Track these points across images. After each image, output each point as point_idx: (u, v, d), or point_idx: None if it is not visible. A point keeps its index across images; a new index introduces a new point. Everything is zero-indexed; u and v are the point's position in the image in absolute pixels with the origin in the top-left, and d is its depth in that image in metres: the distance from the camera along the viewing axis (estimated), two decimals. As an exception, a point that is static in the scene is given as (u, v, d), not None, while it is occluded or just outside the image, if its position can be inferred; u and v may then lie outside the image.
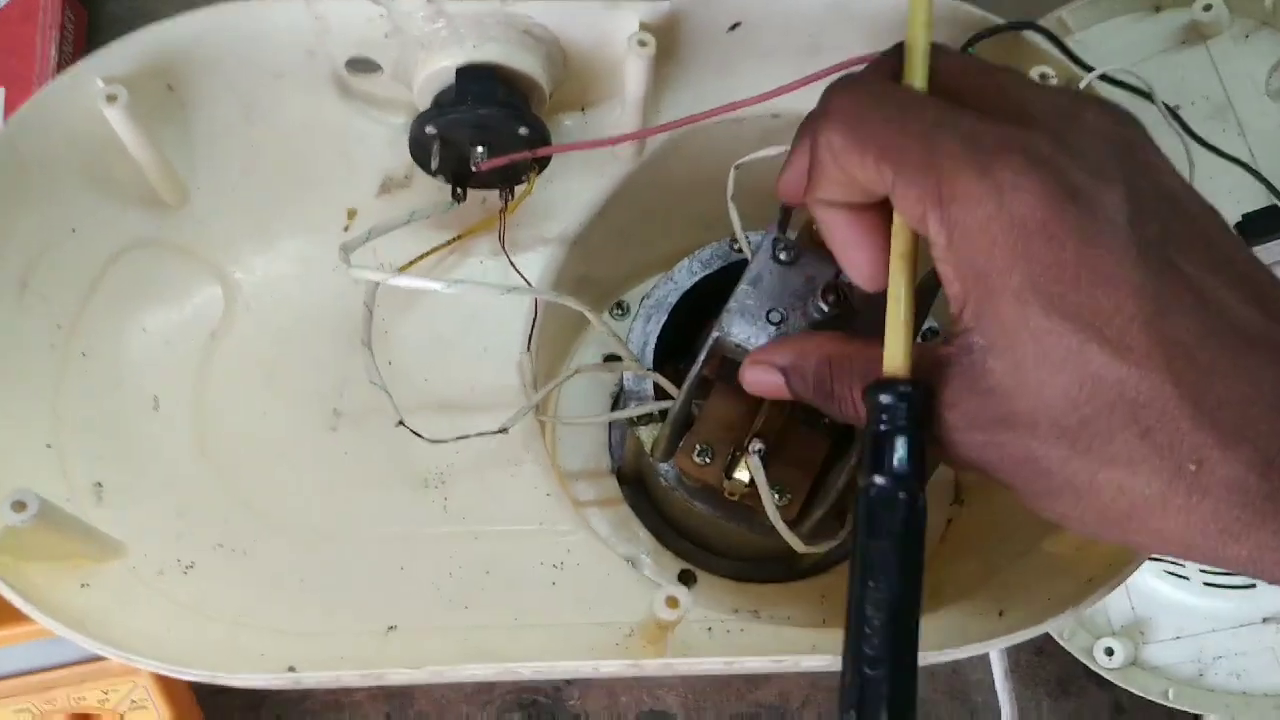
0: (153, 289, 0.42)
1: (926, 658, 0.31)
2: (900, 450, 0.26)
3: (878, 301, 0.38)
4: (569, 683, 0.59)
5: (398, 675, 0.31)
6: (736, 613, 0.48)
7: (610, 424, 0.53)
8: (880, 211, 0.28)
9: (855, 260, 0.29)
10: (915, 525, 0.26)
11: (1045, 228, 0.23)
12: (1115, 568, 0.32)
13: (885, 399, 0.26)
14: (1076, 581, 0.34)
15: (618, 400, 0.52)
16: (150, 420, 0.41)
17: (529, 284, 0.41)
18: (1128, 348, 0.23)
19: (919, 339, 0.45)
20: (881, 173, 0.25)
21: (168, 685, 0.50)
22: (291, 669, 0.31)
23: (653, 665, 0.31)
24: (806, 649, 0.33)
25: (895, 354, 0.27)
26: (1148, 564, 0.57)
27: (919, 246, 0.28)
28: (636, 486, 0.51)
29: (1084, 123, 0.25)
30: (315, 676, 0.31)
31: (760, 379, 0.32)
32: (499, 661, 0.31)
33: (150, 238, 0.42)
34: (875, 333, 0.33)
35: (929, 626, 0.36)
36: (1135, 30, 0.62)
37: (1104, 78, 0.44)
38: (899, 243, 0.28)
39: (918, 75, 0.28)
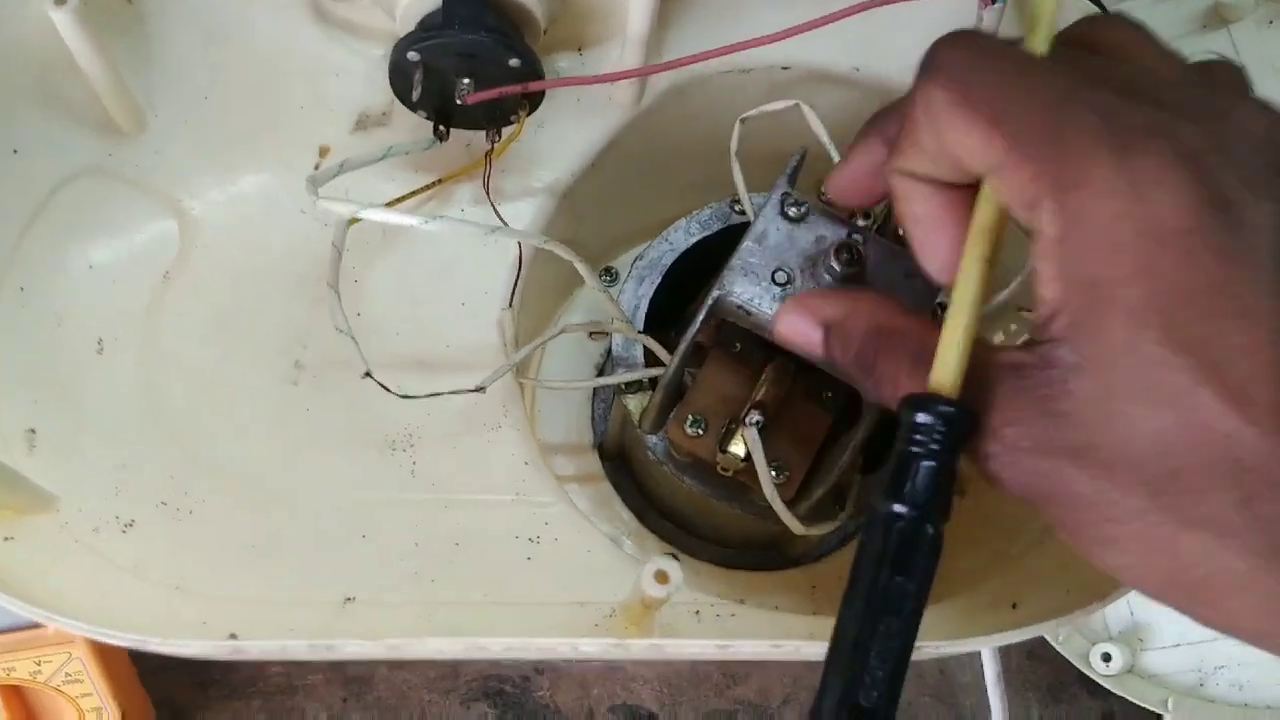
0: (102, 222, 0.39)
1: (941, 648, 0.28)
2: (934, 480, 0.23)
3: (891, 263, 0.36)
4: (539, 672, 0.56)
5: (352, 647, 0.27)
6: (722, 599, 0.45)
7: (594, 397, 0.49)
8: (970, 196, 0.24)
9: (932, 244, 0.25)
10: (936, 565, 0.23)
11: (1184, 239, 0.20)
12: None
13: (923, 418, 0.23)
14: (1095, 574, 0.31)
15: (603, 370, 0.49)
16: (93, 364, 0.37)
17: (510, 228, 0.38)
18: (1250, 400, 0.19)
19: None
20: (990, 142, 0.21)
21: (106, 658, 0.47)
22: (233, 636, 0.28)
23: (639, 646, 0.28)
24: (805, 635, 0.30)
25: (947, 367, 0.23)
26: (1150, 567, 0.54)
27: (1001, 243, 0.24)
28: (619, 464, 0.48)
29: (1238, 120, 0.21)
30: (259, 646, 0.27)
31: (796, 329, 0.28)
32: (466, 636, 0.27)
33: (102, 166, 0.38)
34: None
35: (938, 617, 0.33)
36: (1155, 12, 0.60)
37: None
38: (978, 244, 0.23)
39: (1041, 37, 0.24)
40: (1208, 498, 0.20)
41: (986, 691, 0.54)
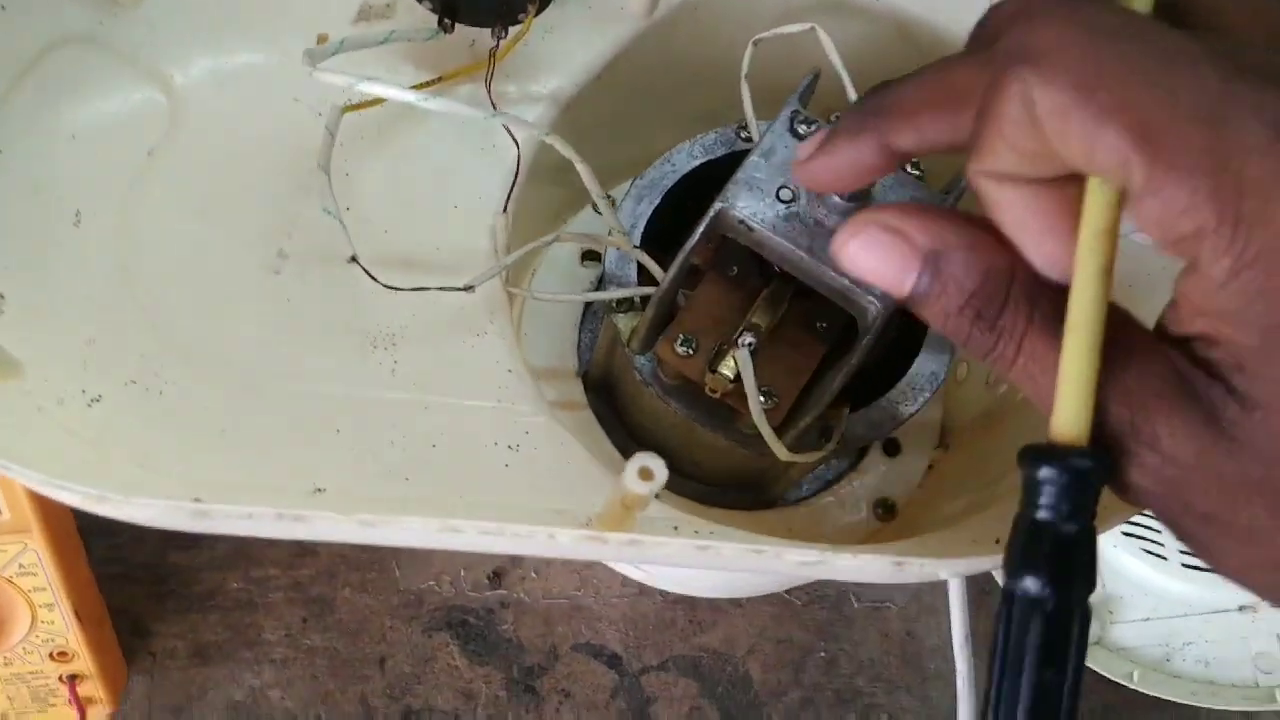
0: (88, 92, 0.37)
1: (927, 566, 0.27)
2: (1078, 551, 0.20)
3: (899, 189, 0.35)
4: (503, 605, 0.55)
5: (323, 522, 0.26)
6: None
7: (581, 325, 0.49)
8: (1077, 186, 0.20)
9: (1050, 253, 0.21)
10: (1087, 647, 0.21)
11: None
12: (1109, 510, 0.29)
13: (1052, 474, 0.20)
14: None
15: (599, 285, 0.48)
16: (69, 235, 0.36)
17: (515, 139, 0.37)
18: None
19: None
20: (1131, 158, 0.18)
21: (62, 554, 0.46)
22: (198, 499, 0.27)
23: (617, 539, 0.27)
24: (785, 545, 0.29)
25: (1074, 410, 0.20)
26: (1124, 540, 0.54)
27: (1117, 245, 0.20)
28: (603, 394, 0.47)
29: None
30: (225, 511, 0.26)
31: (881, 259, 0.22)
32: (440, 517, 0.26)
33: (93, 33, 0.37)
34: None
35: (920, 550, 0.33)
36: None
37: None
38: (1094, 253, 0.20)
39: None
40: None
41: (954, 654, 0.53)
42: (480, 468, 0.34)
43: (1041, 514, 0.20)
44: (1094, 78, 0.18)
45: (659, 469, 0.27)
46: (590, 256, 0.49)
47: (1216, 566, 0.21)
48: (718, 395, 0.36)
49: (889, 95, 0.23)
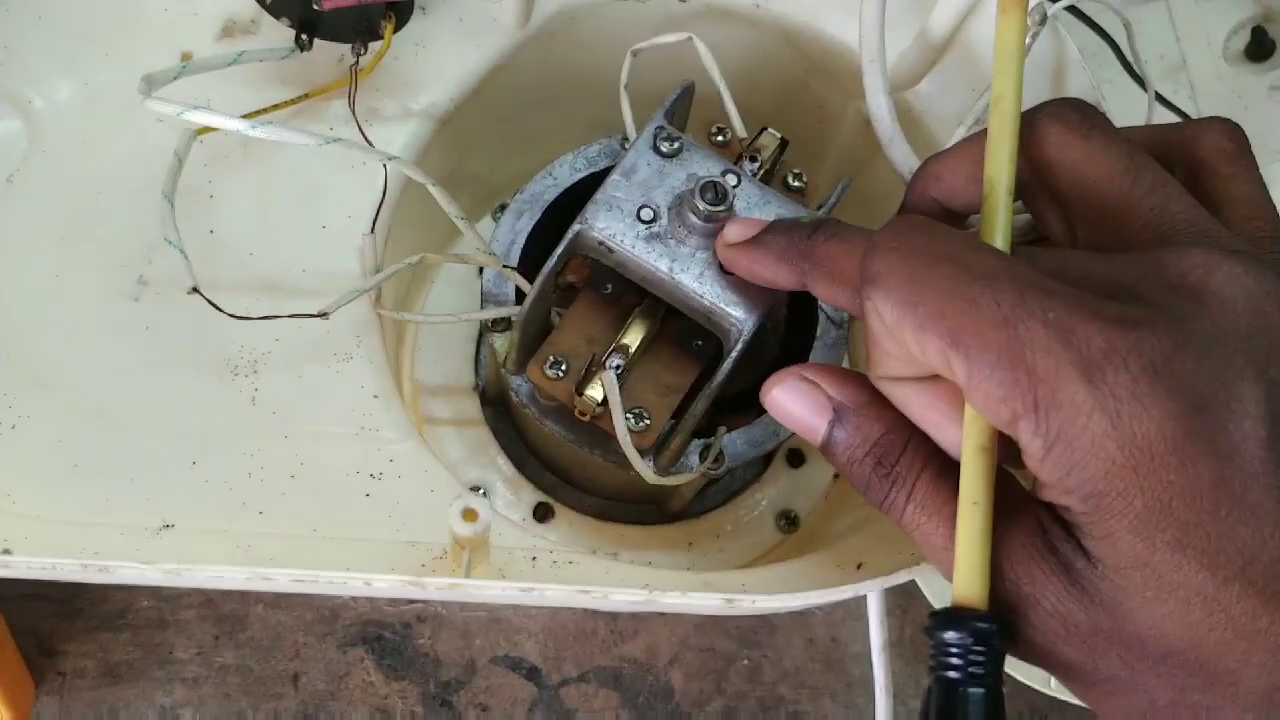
0: (-61, 118, 0.36)
1: (773, 602, 0.26)
2: (987, 709, 0.21)
3: (762, 207, 0.34)
4: (420, 620, 0.55)
5: (126, 570, 0.26)
6: (594, 552, 0.44)
7: (479, 338, 0.48)
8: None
9: (953, 437, 0.23)
10: None
11: (1172, 449, 0.20)
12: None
13: (958, 637, 0.22)
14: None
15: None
16: (-80, 267, 0.35)
17: (376, 148, 0.36)
18: (1275, 594, 0.20)
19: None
20: (950, 361, 0.21)
21: (-46, 581, 0.45)
22: (6, 551, 0.26)
23: (435, 584, 0.26)
24: (637, 584, 0.29)
25: (972, 576, 0.22)
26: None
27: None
28: (500, 409, 0.47)
29: (1214, 292, 0.21)
30: (28, 562, 0.26)
31: (796, 404, 0.26)
32: (251, 566, 0.26)
33: (-59, 58, 0.36)
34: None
35: (782, 573, 0.32)
36: (1097, -21, 0.58)
37: (1070, 9, 0.39)
38: (973, 434, 0.22)
39: (998, 234, 0.24)
40: (1241, 683, 0.20)
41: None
42: (339, 498, 0.34)
43: (952, 674, 0.22)
44: (915, 295, 0.21)
45: (483, 510, 0.26)
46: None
47: (1099, 716, 0.23)
48: (587, 418, 0.36)
49: (819, 246, 0.26)
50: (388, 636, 0.54)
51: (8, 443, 0.33)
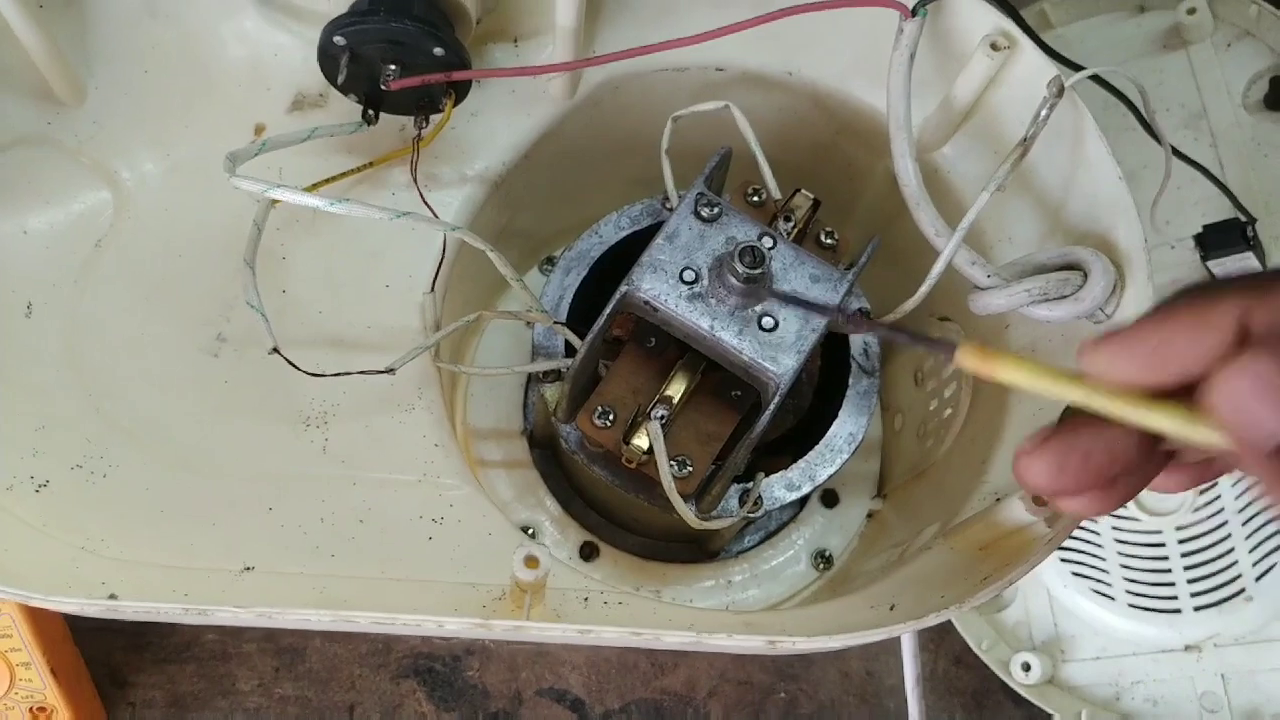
0: (38, 189, 0.39)
1: (813, 644, 0.28)
2: None
3: (797, 268, 0.36)
4: (469, 653, 0.57)
5: (223, 613, 0.28)
6: (638, 590, 0.46)
7: (527, 385, 0.50)
8: None
9: None
10: None
11: None
12: (1009, 568, 0.30)
13: None
14: (972, 579, 0.31)
15: (533, 360, 0.50)
16: (20, 326, 0.38)
17: (434, 214, 0.38)
18: None
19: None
20: None
21: (35, 616, 0.48)
22: (113, 596, 0.29)
23: (501, 626, 0.28)
24: (684, 625, 0.31)
25: None
26: (1074, 580, 0.55)
27: None
28: (548, 452, 0.49)
29: None
30: (134, 607, 0.28)
31: (1256, 406, 0.20)
32: (335, 609, 0.28)
33: (41, 134, 0.39)
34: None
35: (819, 614, 0.34)
36: (1117, 30, 0.60)
37: (1095, 79, 0.41)
38: None
39: None
40: None
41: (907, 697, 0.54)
42: (404, 542, 0.36)
43: None
44: None
45: (544, 558, 0.29)
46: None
47: None
48: (634, 465, 0.38)
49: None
50: (438, 669, 0.56)
51: (100, 490, 0.36)
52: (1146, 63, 0.59)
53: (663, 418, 0.37)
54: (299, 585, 0.33)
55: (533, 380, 0.49)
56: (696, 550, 0.48)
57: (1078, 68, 0.37)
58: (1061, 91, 0.35)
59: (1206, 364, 0.21)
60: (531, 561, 0.28)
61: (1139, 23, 0.60)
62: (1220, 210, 0.53)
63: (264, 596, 0.32)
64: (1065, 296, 0.35)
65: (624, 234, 0.43)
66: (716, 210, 0.36)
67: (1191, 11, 0.56)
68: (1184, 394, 0.21)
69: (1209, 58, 0.57)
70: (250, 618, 0.28)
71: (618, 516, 0.47)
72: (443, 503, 0.37)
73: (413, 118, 0.39)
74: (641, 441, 0.37)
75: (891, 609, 0.33)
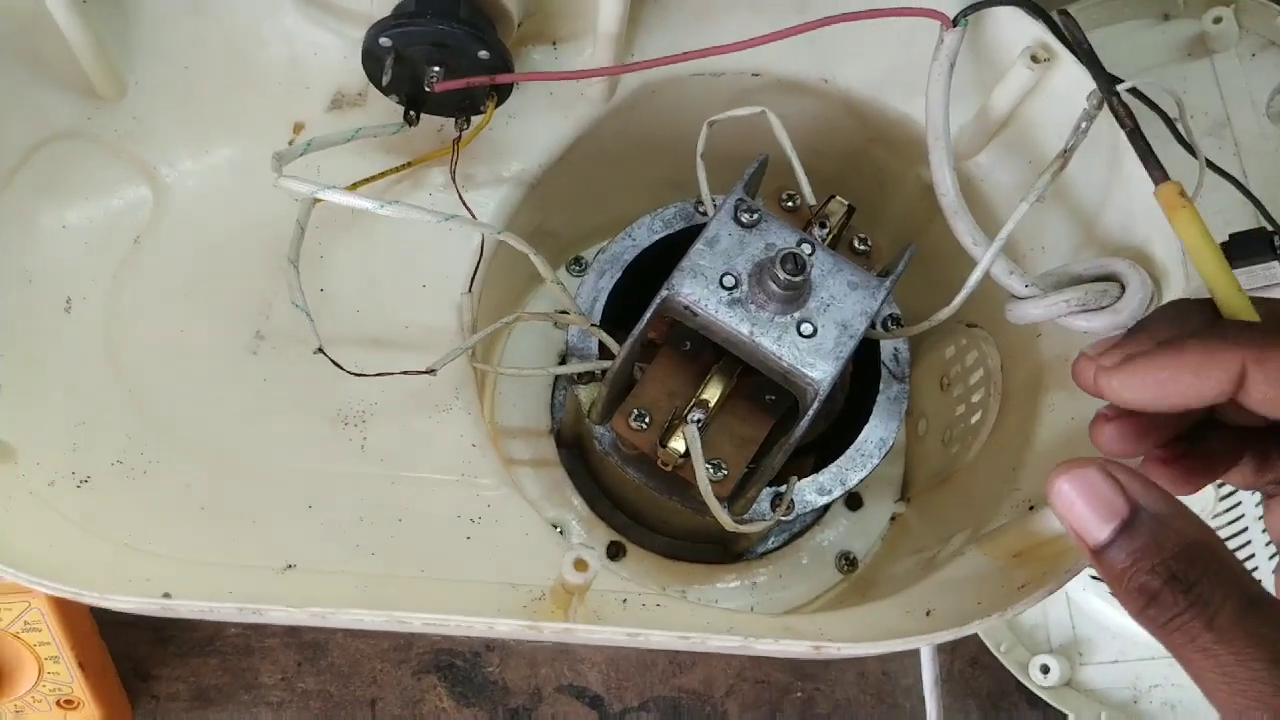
0: (77, 184, 0.40)
1: (842, 649, 0.29)
2: None
3: (836, 274, 0.37)
4: (489, 649, 0.57)
5: (277, 613, 0.29)
6: (664, 589, 0.47)
7: (555, 384, 0.50)
8: None
9: None
10: None
11: None
12: (1047, 577, 0.30)
13: None
14: (1008, 588, 0.32)
15: (565, 359, 0.50)
16: (60, 322, 0.38)
17: (473, 216, 0.39)
18: None
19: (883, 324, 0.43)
20: None
21: (65, 609, 0.48)
22: (166, 595, 0.29)
23: (551, 629, 0.29)
24: (721, 629, 0.31)
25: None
26: (1091, 584, 0.55)
27: None
28: (575, 451, 0.49)
29: None
30: (189, 606, 0.29)
31: (1085, 505, 0.23)
32: (386, 609, 0.28)
33: (80, 129, 0.39)
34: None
35: (855, 619, 0.34)
36: (1142, 37, 0.61)
37: (1133, 91, 0.41)
38: None
39: None
40: None
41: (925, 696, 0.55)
42: (443, 541, 0.36)
43: None
44: None
45: (593, 561, 0.29)
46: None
47: None
48: (669, 468, 0.38)
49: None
50: (459, 665, 0.57)
51: (141, 486, 0.36)
52: (1171, 70, 0.59)
53: (699, 421, 0.37)
54: (341, 583, 0.34)
55: (559, 380, 0.50)
56: (721, 551, 0.48)
57: (1115, 79, 0.37)
58: (1101, 105, 0.35)
59: (1206, 401, 0.24)
60: (581, 565, 0.28)
61: (1163, 30, 0.60)
62: (1244, 218, 0.53)
63: (307, 594, 0.32)
64: (1103, 307, 0.35)
65: (657, 237, 0.43)
66: (756, 216, 0.37)
67: (1217, 21, 0.57)
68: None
69: (1233, 67, 0.58)
70: (304, 617, 0.28)
71: (644, 517, 0.48)
72: (480, 503, 0.37)
73: (452, 119, 0.40)
74: (678, 444, 0.38)
75: (927, 614, 0.33)
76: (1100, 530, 0.23)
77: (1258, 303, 0.27)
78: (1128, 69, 0.60)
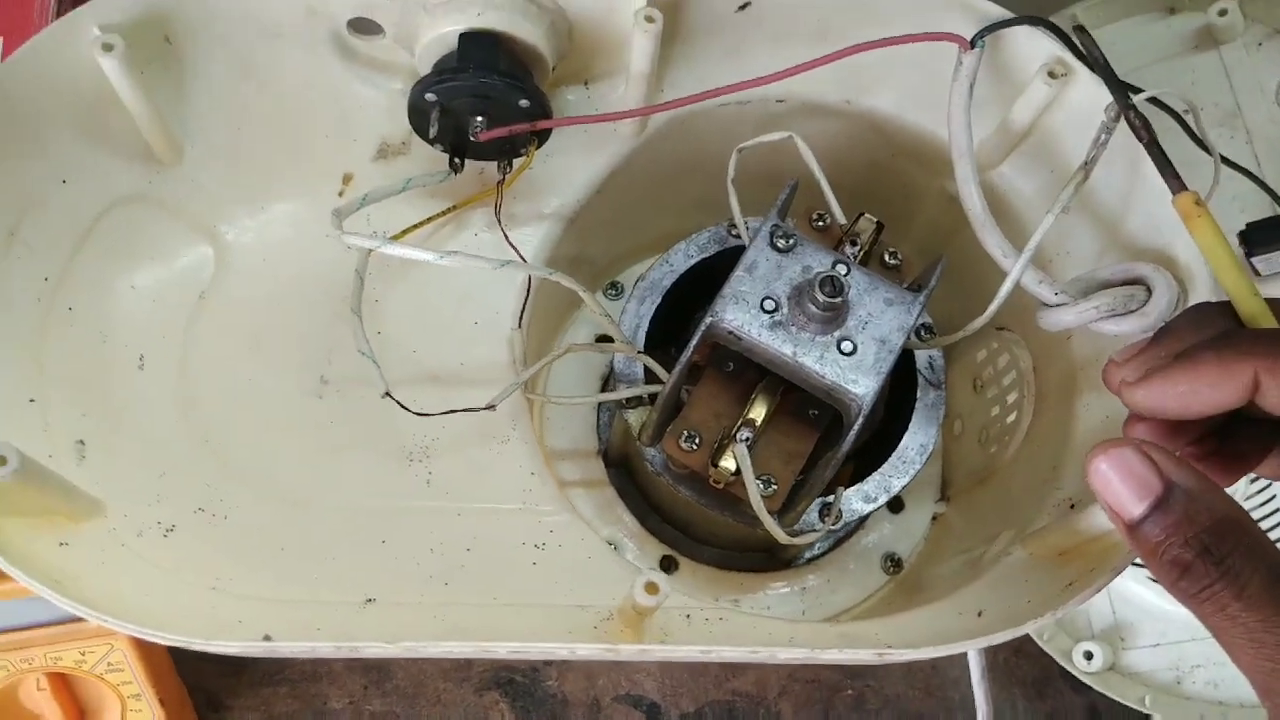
0: (143, 246, 0.42)
1: (904, 655, 0.31)
2: None
3: (872, 292, 0.38)
4: (547, 664, 0.59)
5: (373, 649, 0.31)
6: (717, 600, 0.48)
7: (599, 406, 0.52)
8: None
9: None
10: None
11: None
12: (1095, 574, 0.32)
13: None
14: (1056, 586, 0.33)
15: (608, 381, 0.52)
16: (135, 379, 0.40)
17: (523, 259, 0.41)
18: None
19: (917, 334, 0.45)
20: None
21: (145, 649, 0.50)
22: (267, 638, 0.31)
23: (629, 650, 0.30)
24: (784, 641, 0.33)
25: None
26: (1131, 569, 0.57)
27: None
28: (622, 469, 0.51)
29: None
30: (290, 646, 0.31)
31: (1121, 484, 0.25)
32: (475, 640, 0.30)
33: (142, 194, 0.41)
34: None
35: (911, 623, 0.36)
36: (1148, 32, 0.62)
37: (1152, 100, 0.42)
38: None
39: None
40: None
41: (973, 689, 0.56)
42: (511, 568, 0.38)
43: None
44: None
45: (663, 584, 0.31)
46: (604, 338, 0.52)
47: None
48: (721, 486, 0.40)
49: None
50: (519, 680, 0.59)
51: (223, 531, 0.38)
52: (1179, 63, 0.60)
53: (747, 439, 0.39)
54: (419, 614, 0.36)
55: (604, 402, 0.51)
56: (769, 558, 0.50)
57: (1131, 88, 0.39)
58: (1119, 117, 0.37)
59: (1224, 409, 0.26)
60: (652, 588, 0.30)
61: (1169, 24, 0.61)
62: (1258, 204, 0.54)
63: (390, 626, 0.34)
64: (1131, 311, 0.36)
65: (693, 261, 0.45)
66: (792, 241, 0.38)
67: (1223, 13, 0.58)
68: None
69: (1241, 57, 0.59)
70: (397, 651, 0.30)
71: (694, 530, 0.49)
72: (543, 529, 0.39)
73: (494, 162, 0.41)
74: (729, 463, 0.39)
75: (979, 615, 0.35)
76: (1135, 506, 0.24)
77: (1275, 306, 0.29)
78: (1135, 64, 0.61)
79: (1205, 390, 0.26)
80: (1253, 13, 0.59)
